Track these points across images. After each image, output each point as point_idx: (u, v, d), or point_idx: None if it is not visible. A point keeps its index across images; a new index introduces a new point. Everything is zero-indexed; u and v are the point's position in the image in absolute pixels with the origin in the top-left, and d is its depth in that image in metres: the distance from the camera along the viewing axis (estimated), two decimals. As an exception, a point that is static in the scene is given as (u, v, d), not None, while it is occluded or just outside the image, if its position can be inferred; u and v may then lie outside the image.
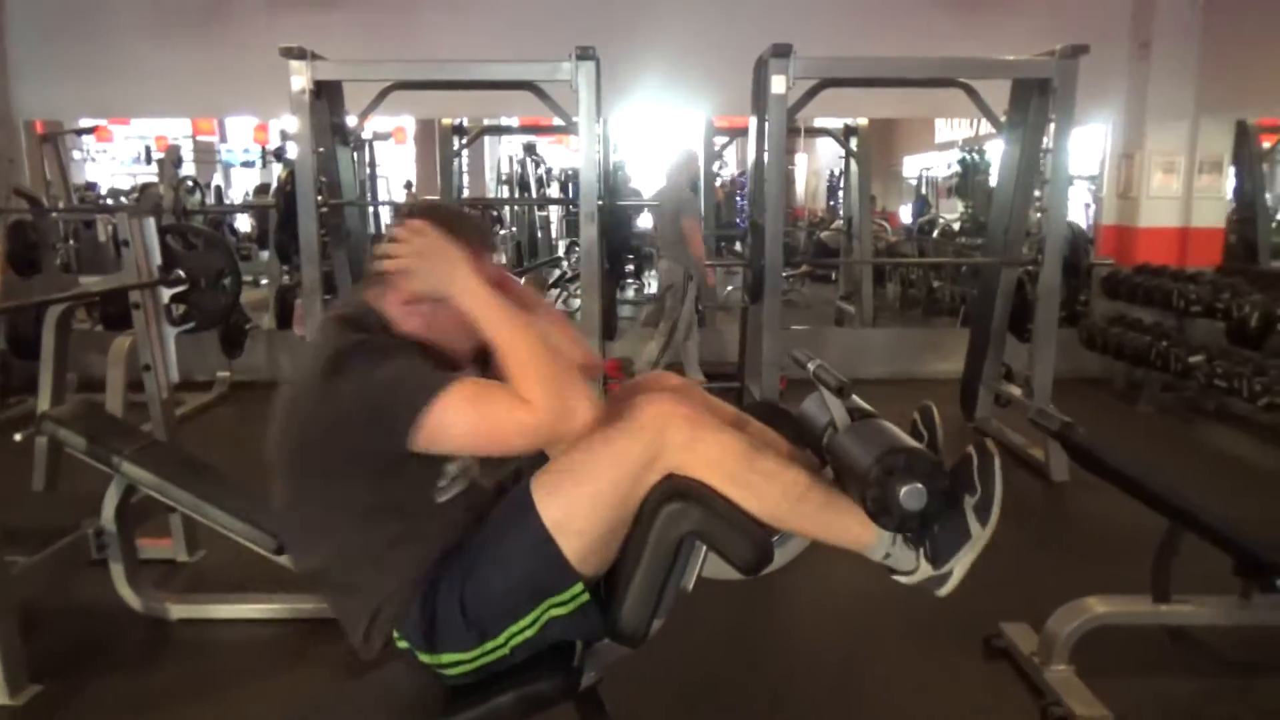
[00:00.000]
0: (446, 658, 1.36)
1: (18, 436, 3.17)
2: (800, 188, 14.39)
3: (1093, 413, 5.35)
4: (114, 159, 13.42)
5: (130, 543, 2.98)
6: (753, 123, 4.61)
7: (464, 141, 7.62)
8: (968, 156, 10.09)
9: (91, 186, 10.92)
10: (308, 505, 1.38)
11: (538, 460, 1.47)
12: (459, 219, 1.44)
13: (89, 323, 6.11)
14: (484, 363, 1.42)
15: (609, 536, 1.37)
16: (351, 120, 4.90)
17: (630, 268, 10.74)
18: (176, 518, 3.30)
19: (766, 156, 4.23)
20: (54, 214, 5.95)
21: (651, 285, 10.82)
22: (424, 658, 1.37)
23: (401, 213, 1.46)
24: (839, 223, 8.47)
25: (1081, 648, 2.47)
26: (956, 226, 9.56)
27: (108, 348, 3.58)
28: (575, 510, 1.34)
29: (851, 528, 1.41)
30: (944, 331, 7.16)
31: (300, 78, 4.06)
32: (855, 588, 3.03)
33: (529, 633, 1.36)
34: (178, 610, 2.95)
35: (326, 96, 4.46)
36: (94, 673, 2.67)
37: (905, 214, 11.96)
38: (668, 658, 2.62)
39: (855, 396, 1.57)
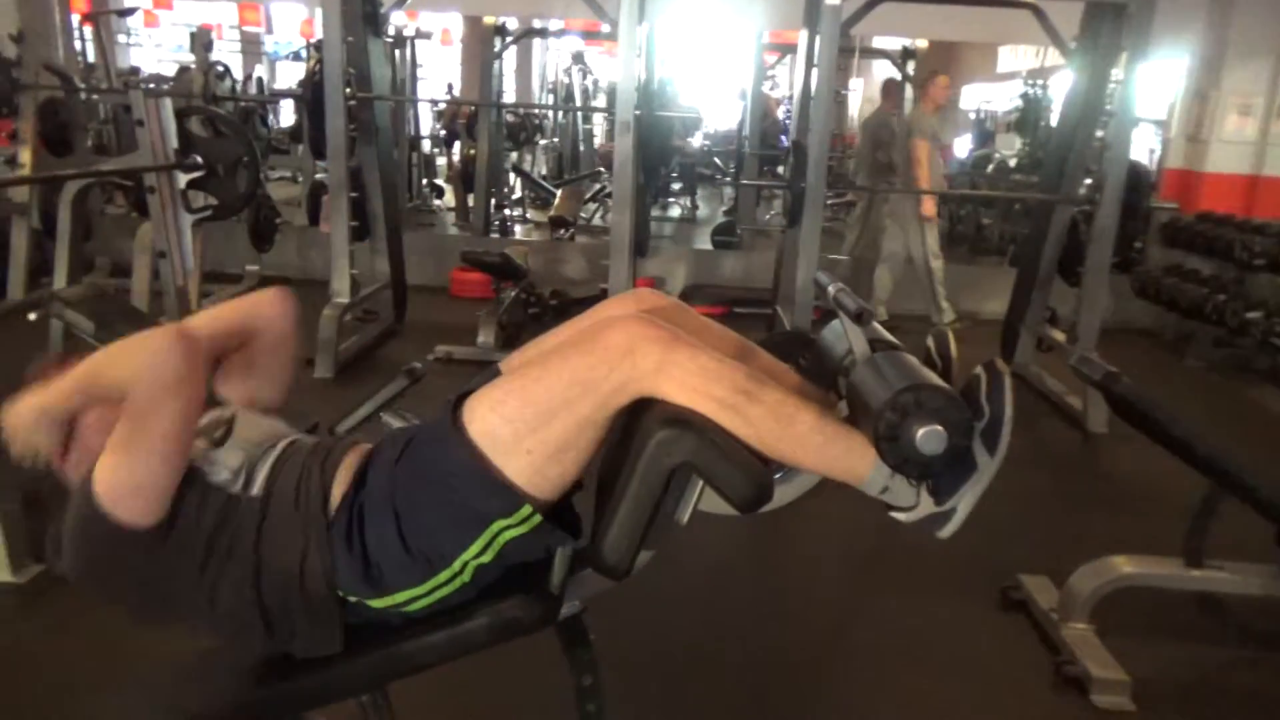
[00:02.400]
0: (400, 596, 1.27)
1: (32, 316, 3.13)
2: (854, 113, 13.86)
3: (1138, 364, 5.13)
4: (158, 45, 13.29)
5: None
6: (803, 36, 4.37)
7: (506, 42, 7.37)
8: (1031, 90, 9.61)
9: (135, 71, 10.80)
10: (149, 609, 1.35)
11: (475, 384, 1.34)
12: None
13: (126, 208, 6.08)
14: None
15: (563, 457, 1.24)
16: (400, 20, 4.71)
17: (678, 185, 10.47)
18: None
19: (815, 73, 4.01)
20: (83, 93, 5.81)
21: (703, 206, 10.55)
22: (376, 603, 1.28)
23: None
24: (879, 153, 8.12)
25: (1104, 607, 2.37)
26: (1013, 163, 9.18)
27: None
28: (521, 429, 1.22)
29: (845, 456, 1.27)
30: (989, 270, 6.91)
31: (332, -39, 3.89)
32: (863, 525, 2.92)
33: (485, 558, 1.26)
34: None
35: (361, -17, 4.29)
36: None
37: (961, 147, 11.50)
38: (654, 609, 2.52)
39: (879, 326, 1.44)
